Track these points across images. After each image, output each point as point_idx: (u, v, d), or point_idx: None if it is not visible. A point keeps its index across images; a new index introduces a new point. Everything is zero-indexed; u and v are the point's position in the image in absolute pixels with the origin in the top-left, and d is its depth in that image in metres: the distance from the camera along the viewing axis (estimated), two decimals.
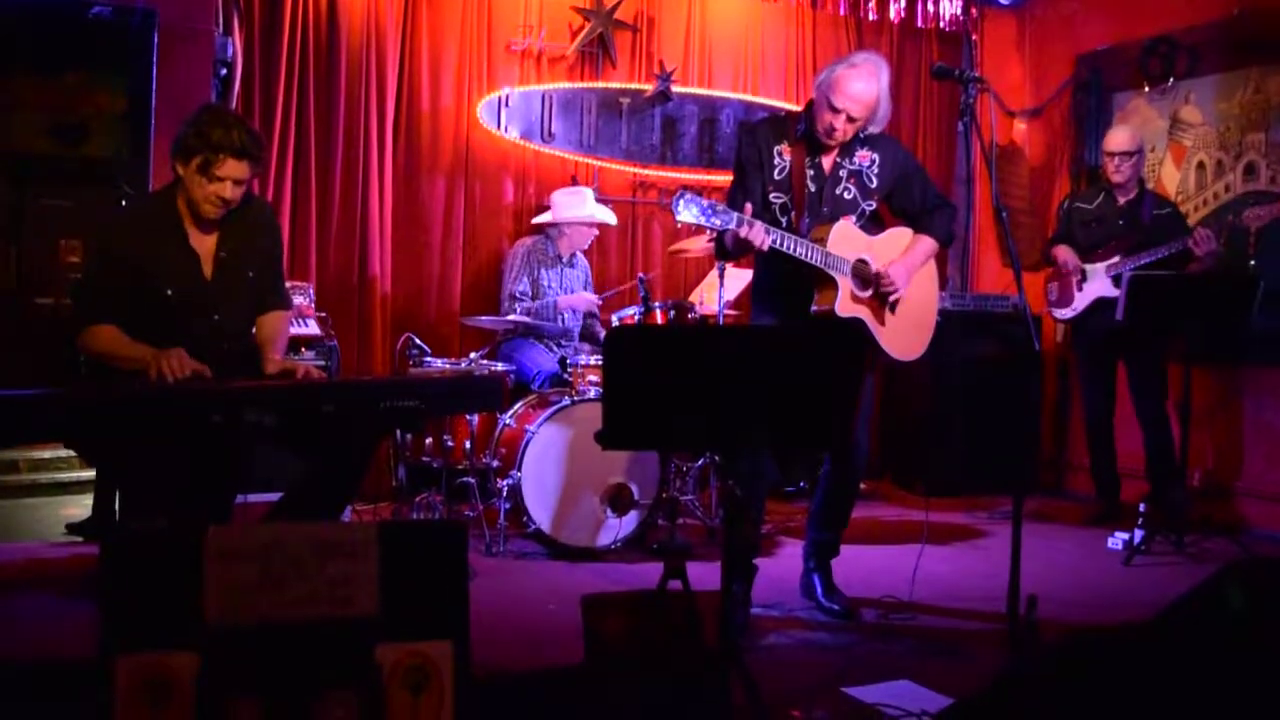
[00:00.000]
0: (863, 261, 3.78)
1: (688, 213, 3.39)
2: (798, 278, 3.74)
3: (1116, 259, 5.46)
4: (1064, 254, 5.68)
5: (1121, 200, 5.61)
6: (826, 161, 3.84)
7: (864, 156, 3.86)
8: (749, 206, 3.57)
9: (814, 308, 3.76)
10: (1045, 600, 3.18)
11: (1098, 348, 5.69)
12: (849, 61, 3.76)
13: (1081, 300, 5.60)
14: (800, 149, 3.82)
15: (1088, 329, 5.67)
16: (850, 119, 3.72)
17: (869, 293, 3.81)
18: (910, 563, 4.15)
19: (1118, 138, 5.67)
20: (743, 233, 3.49)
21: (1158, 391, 5.52)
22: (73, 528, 4.72)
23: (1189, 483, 5.68)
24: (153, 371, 3.10)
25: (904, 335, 3.93)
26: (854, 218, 3.83)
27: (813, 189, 3.81)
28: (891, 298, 3.84)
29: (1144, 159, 5.74)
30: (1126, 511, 5.43)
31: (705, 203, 3.42)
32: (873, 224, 3.92)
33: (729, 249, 3.79)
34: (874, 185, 3.87)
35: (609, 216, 5.91)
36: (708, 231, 3.93)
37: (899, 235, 3.94)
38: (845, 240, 3.74)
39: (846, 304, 3.74)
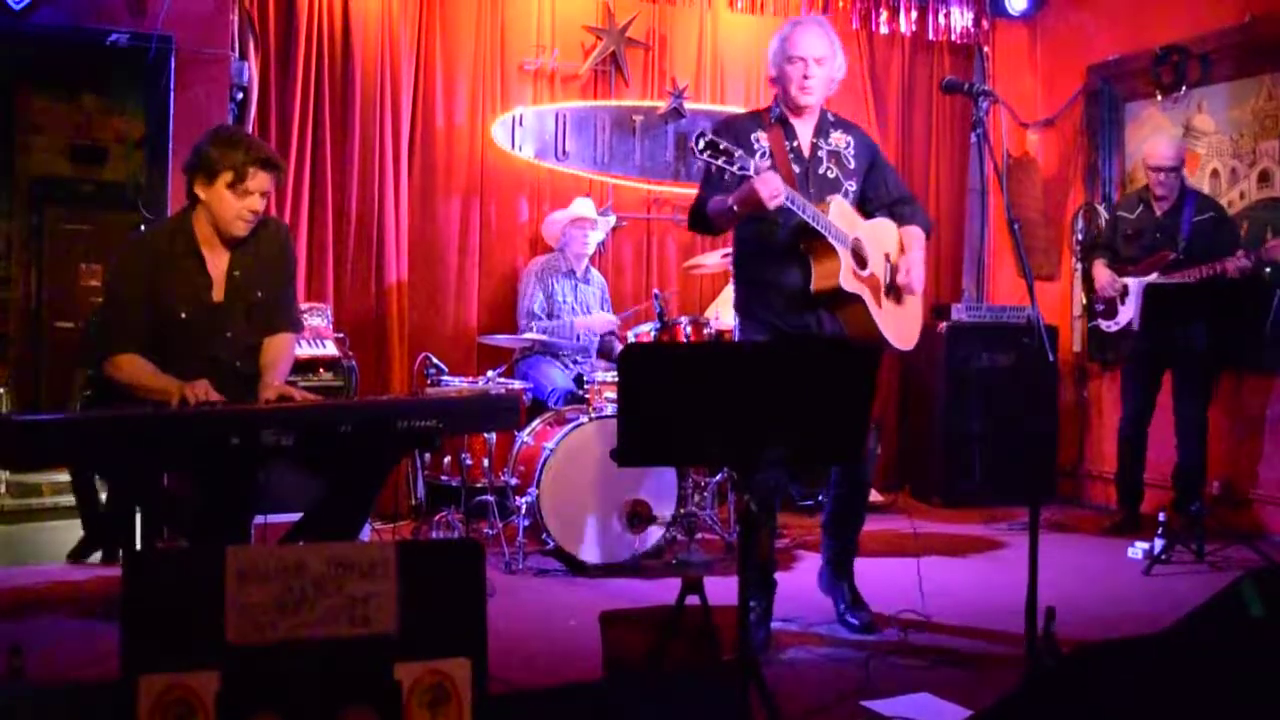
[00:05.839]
0: (859, 240, 3.79)
1: (707, 151, 3.39)
2: (781, 282, 3.75)
3: (1154, 275, 5.34)
4: (1101, 278, 5.57)
5: (1159, 211, 5.48)
6: (805, 144, 3.85)
7: (839, 139, 3.89)
8: (765, 163, 3.56)
9: (815, 285, 3.71)
10: (1065, 611, 3.17)
11: (1145, 357, 5.56)
12: (791, 22, 3.88)
13: (1125, 314, 5.51)
14: (777, 133, 3.83)
15: (1136, 339, 5.53)
16: (817, 62, 3.76)
17: (868, 272, 3.80)
18: (928, 576, 4.14)
19: (1160, 151, 5.49)
20: (756, 186, 3.42)
21: (1202, 400, 5.43)
22: (73, 555, 4.70)
23: (1208, 490, 5.65)
24: (175, 401, 3.14)
25: (899, 322, 3.92)
26: (840, 197, 3.83)
27: (797, 170, 3.81)
28: (903, 288, 3.88)
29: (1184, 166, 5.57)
30: (1145, 522, 5.41)
31: (724, 143, 3.41)
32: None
33: (714, 218, 3.74)
34: (852, 166, 3.90)
35: (586, 210, 5.90)
36: (715, 230, 3.92)
37: (885, 224, 3.94)
38: (844, 217, 3.74)
39: (850, 279, 3.69)
